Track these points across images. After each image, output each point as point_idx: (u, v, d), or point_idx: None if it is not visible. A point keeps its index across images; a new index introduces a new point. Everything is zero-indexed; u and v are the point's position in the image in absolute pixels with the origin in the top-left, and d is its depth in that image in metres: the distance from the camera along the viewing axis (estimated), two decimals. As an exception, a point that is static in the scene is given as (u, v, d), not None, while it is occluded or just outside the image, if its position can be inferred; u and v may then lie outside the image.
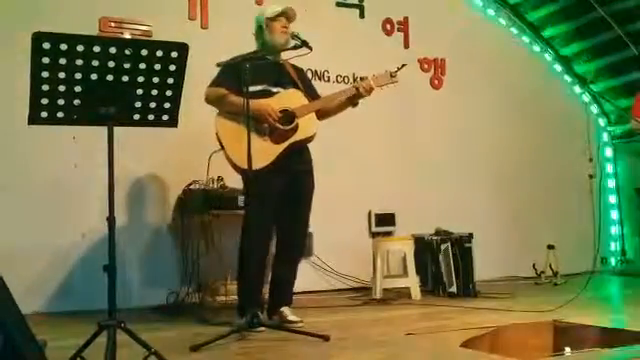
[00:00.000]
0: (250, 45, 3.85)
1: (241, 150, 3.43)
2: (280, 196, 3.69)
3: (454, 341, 2.95)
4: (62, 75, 2.37)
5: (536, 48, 6.87)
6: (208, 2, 5.21)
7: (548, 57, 6.92)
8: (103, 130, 2.51)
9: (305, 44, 3.63)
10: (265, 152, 3.55)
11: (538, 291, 5.24)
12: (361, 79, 3.85)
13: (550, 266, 5.77)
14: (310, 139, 3.79)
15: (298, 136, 3.70)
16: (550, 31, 6.82)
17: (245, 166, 3.44)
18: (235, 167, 3.63)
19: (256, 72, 3.47)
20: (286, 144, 3.66)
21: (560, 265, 5.80)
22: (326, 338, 3.11)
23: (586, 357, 3.00)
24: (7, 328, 1.08)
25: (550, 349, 3.43)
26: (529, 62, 6.81)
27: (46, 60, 2.34)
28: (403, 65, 3.91)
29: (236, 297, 3.88)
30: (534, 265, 5.86)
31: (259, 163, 3.41)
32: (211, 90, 3.70)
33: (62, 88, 2.39)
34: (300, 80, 3.88)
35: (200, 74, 3.68)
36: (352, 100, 3.83)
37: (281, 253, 3.85)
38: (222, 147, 3.66)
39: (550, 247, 5.78)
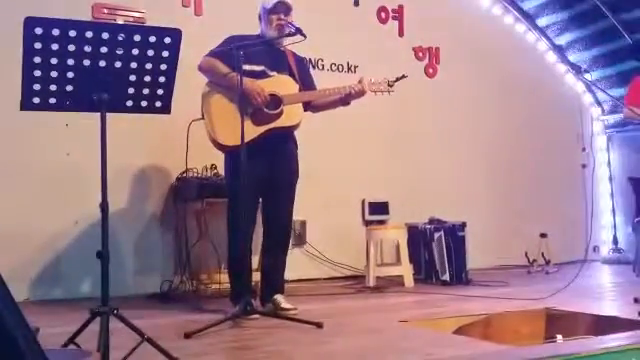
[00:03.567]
0: (243, 32, 3.84)
1: (219, 124, 3.53)
2: (262, 182, 3.68)
3: (447, 328, 2.98)
4: (54, 61, 2.34)
5: (531, 37, 6.86)
6: (202, -11, 5.18)
7: (542, 46, 6.92)
8: (96, 116, 2.50)
9: (299, 31, 3.62)
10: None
11: (530, 279, 5.28)
12: (359, 82, 3.82)
13: (542, 254, 5.81)
14: (292, 128, 3.78)
15: (280, 122, 3.68)
16: (545, 20, 6.81)
17: (219, 140, 3.59)
18: (212, 140, 3.66)
19: (257, 53, 3.49)
20: (265, 127, 3.65)
21: (552, 254, 5.83)
22: (320, 325, 3.13)
23: (577, 344, 3.02)
24: (3, 323, 1.07)
25: (542, 336, 3.46)
26: (523, 51, 6.80)
27: (38, 45, 2.31)
28: (403, 76, 3.90)
29: (229, 285, 3.89)
30: (526, 253, 5.89)
31: (235, 140, 3.37)
32: (207, 60, 3.70)
33: (54, 74, 2.36)
34: (298, 70, 3.87)
35: (194, 61, 3.67)
36: (344, 100, 3.83)
37: (268, 242, 3.85)
38: (203, 117, 3.68)
39: (542, 235, 5.81)
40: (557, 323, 3.47)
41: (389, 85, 3.88)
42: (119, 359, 2.26)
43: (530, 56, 6.83)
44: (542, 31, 6.89)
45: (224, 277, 4.34)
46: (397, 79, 3.89)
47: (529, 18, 6.82)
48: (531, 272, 5.68)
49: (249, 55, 3.49)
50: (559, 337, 3.40)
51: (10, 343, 1.06)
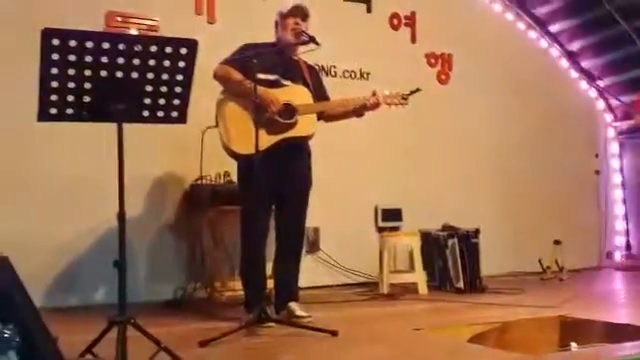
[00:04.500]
0: (257, 40, 3.86)
1: (234, 132, 3.55)
2: (275, 191, 3.69)
3: (462, 336, 2.96)
4: (71, 72, 2.37)
5: (543, 43, 6.84)
6: (215, -3, 5.21)
7: (554, 52, 6.90)
8: (111, 125, 2.52)
9: (313, 40, 3.65)
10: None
11: (544, 286, 5.25)
12: (373, 94, 3.83)
13: (556, 261, 5.78)
14: (306, 138, 3.80)
15: (294, 132, 3.70)
16: (557, 26, 6.79)
17: (233, 148, 3.60)
18: (225, 148, 3.67)
19: (271, 62, 3.51)
20: (279, 137, 3.66)
21: (566, 260, 5.80)
22: (334, 333, 3.12)
23: (592, 352, 3.00)
24: (24, 322, 1.08)
25: (556, 344, 3.44)
26: (536, 57, 6.78)
27: (55, 56, 2.34)
28: (417, 89, 3.90)
29: (243, 293, 3.89)
30: (540, 260, 5.86)
31: (249, 149, 3.38)
32: (221, 67, 3.72)
33: (71, 85, 2.39)
34: (311, 79, 3.89)
35: (206, 70, 3.69)
36: (358, 111, 3.84)
37: (281, 249, 3.85)
38: (217, 125, 3.69)
39: (556, 242, 5.79)
40: (571, 331, 3.45)
41: (403, 98, 3.89)
42: (135, 368, 2.28)
43: (543, 62, 6.82)
44: (554, 37, 6.87)
45: (238, 284, 4.35)
46: (411, 92, 3.90)
47: (541, 24, 6.80)
48: (545, 279, 5.65)
49: (263, 64, 3.50)
50: (574, 345, 3.38)
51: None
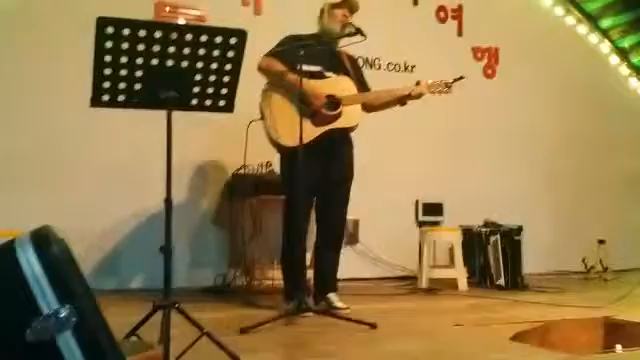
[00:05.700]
0: (303, 32, 3.86)
1: (279, 124, 3.56)
2: (317, 182, 3.69)
3: (503, 334, 2.92)
4: (124, 59, 2.41)
5: (593, 39, 6.69)
6: (262, -12, 5.24)
7: (605, 49, 6.74)
8: (157, 113, 2.56)
9: (359, 32, 3.64)
10: (303, 132, 3.54)
11: (588, 286, 5.15)
12: (417, 83, 3.80)
13: (600, 261, 5.66)
14: (351, 129, 3.80)
15: (339, 123, 3.70)
16: (607, 22, 6.63)
17: (279, 140, 3.61)
18: (270, 140, 3.69)
19: (314, 53, 3.52)
20: (325, 129, 3.67)
21: (610, 260, 5.68)
22: (374, 326, 3.13)
23: (637, 356, 2.93)
24: (79, 303, 1.11)
25: (600, 346, 3.37)
26: (585, 53, 6.65)
27: (109, 44, 2.38)
28: (461, 77, 3.86)
29: (282, 282, 3.92)
30: (584, 260, 5.75)
31: (294, 141, 3.41)
32: (266, 60, 3.73)
33: (124, 72, 2.43)
34: (353, 70, 3.89)
35: (252, 60, 3.71)
36: (401, 100, 3.82)
37: (322, 240, 3.87)
38: (262, 118, 3.71)
39: (601, 242, 5.68)
40: (616, 333, 3.38)
41: (447, 86, 3.85)
42: (178, 351, 2.31)
43: (592, 58, 6.68)
44: (604, 33, 6.71)
45: (277, 273, 4.39)
46: (455, 80, 3.86)
47: (591, 20, 6.65)
48: (588, 279, 5.55)
49: (306, 55, 3.51)
50: (619, 347, 3.31)
51: (95, 344, 1.10)
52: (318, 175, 3.68)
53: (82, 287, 1.15)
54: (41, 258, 1.09)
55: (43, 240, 1.11)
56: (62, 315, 1.09)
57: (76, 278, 1.16)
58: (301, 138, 3.34)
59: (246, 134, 4.44)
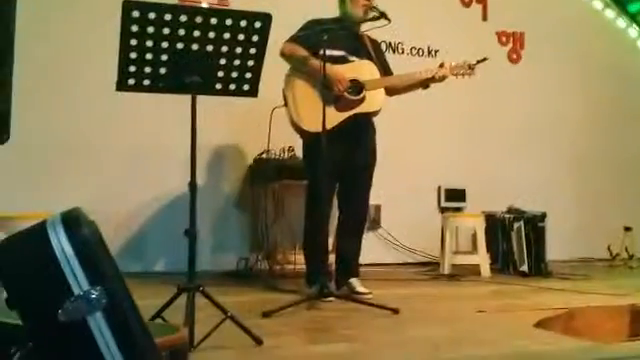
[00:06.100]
0: (325, 16, 3.83)
1: (303, 110, 3.56)
2: (340, 167, 3.68)
3: (527, 321, 2.91)
4: (149, 43, 2.42)
5: (620, 23, 6.56)
6: (284, -28, 5.19)
7: (633, 33, 6.61)
8: (181, 97, 2.57)
9: (384, 16, 3.61)
10: (327, 117, 3.53)
11: (613, 274, 5.11)
12: (440, 66, 3.77)
13: (626, 249, 5.60)
14: (375, 113, 3.78)
15: (363, 108, 3.69)
16: (636, 6, 6.50)
17: (303, 126, 3.61)
18: (294, 125, 3.69)
19: (336, 38, 3.50)
20: (349, 114, 3.66)
21: (636, 248, 5.62)
22: (396, 311, 3.12)
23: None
24: (110, 284, 1.12)
25: (626, 334, 3.34)
26: (612, 38, 6.53)
27: (135, 28, 2.39)
28: (484, 59, 3.82)
29: (304, 266, 3.93)
30: (609, 247, 5.69)
31: (317, 127, 3.40)
32: (288, 45, 3.71)
33: (149, 56, 2.44)
34: (376, 54, 3.87)
35: (274, 44, 3.69)
36: (424, 83, 3.79)
37: (344, 225, 3.87)
38: (285, 104, 3.71)
39: (627, 229, 5.61)
40: (643, 321, 3.34)
41: (470, 68, 3.81)
42: (201, 334, 2.33)
43: (619, 43, 6.55)
44: (633, 17, 6.58)
45: (298, 258, 4.41)
46: (478, 61, 3.82)
47: (620, 4, 6.52)
48: (613, 266, 5.49)
49: (329, 40, 3.48)
50: (645, 335, 3.27)
51: (125, 325, 1.11)
52: (341, 160, 3.66)
53: (112, 269, 1.16)
54: (72, 239, 1.10)
55: (74, 221, 1.12)
56: (93, 296, 1.10)
57: (106, 260, 1.17)
58: (324, 123, 3.33)
59: (270, 120, 4.46)
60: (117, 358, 1.13)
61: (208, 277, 4.25)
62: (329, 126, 3.42)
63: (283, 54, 3.72)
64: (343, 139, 3.62)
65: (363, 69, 3.73)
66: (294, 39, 3.71)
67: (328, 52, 3.51)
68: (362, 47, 3.83)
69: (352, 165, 3.76)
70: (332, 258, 3.96)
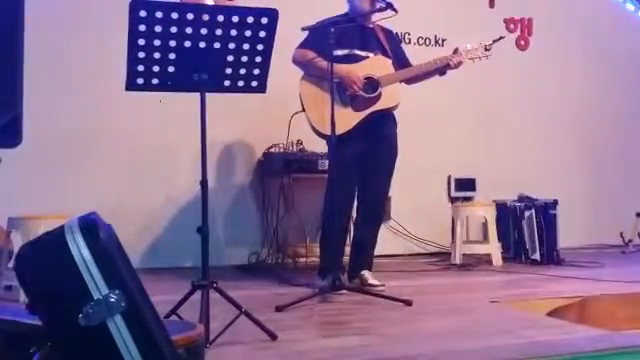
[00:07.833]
0: (332, 11, 3.81)
1: (320, 114, 3.55)
2: (361, 162, 3.71)
3: (540, 310, 2.91)
4: (157, 42, 2.43)
5: (629, 7, 6.49)
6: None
7: (641, 16, 6.55)
8: (188, 94, 2.58)
9: (390, 6, 3.59)
10: (345, 118, 3.57)
11: (626, 260, 5.08)
12: (455, 51, 3.76)
13: (638, 235, 5.57)
14: (392, 108, 3.78)
15: (380, 105, 3.69)
16: (645, -10, 6.45)
17: (322, 130, 3.60)
18: (314, 130, 3.71)
19: (342, 36, 3.50)
20: (367, 112, 3.67)
21: (649, 235, 5.59)
22: (409, 303, 3.13)
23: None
24: (128, 287, 1.14)
25: (640, 322, 3.33)
26: (621, 22, 6.45)
27: (142, 27, 2.40)
28: (501, 37, 3.80)
29: (316, 259, 3.95)
30: (621, 233, 5.65)
31: (338, 129, 3.40)
32: (298, 51, 3.73)
33: (157, 55, 2.45)
34: (390, 46, 3.85)
35: (282, 40, 3.68)
36: (441, 70, 3.78)
37: (362, 218, 3.87)
38: (303, 109, 3.72)
39: (639, 215, 5.57)
40: (657, 308, 3.33)
41: (486, 49, 3.79)
42: (216, 329, 2.35)
43: (629, 28, 6.47)
44: (643, 2, 6.52)
45: (309, 251, 4.43)
46: (494, 41, 3.82)
47: (628, -12, 6.46)
48: (626, 253, 5.46)
49: (340, 39, 3.49)
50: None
51: (144, 327, 1.12)
52: (364, 156, 3.71)
53: (129, 271, 1.17)
54: (90, 244, 1.11)
55: (91, 227, 1.13)
56: (112, 300, 1.12)
57: (123, 263, 1.19)
58: (332, 125, 3.31)
59: (288, 128, 4.48)
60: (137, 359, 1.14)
61: (220, 272, 4.28)
62: (348, 127, 3.51)
63: (295, 61, 3.74)
64: (364, 137, 3.66)
65: (376, 65, 3.72)
66: (304, 45, 3.71)
67: (340, 52, 3.53)
68: (374, 40, 3.81)
69: (374, 160, 3.77)
70: (346, 251, 3.96)
